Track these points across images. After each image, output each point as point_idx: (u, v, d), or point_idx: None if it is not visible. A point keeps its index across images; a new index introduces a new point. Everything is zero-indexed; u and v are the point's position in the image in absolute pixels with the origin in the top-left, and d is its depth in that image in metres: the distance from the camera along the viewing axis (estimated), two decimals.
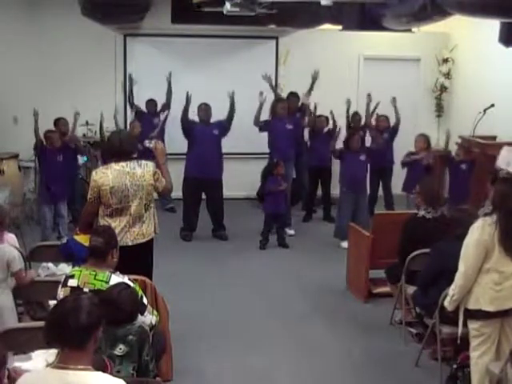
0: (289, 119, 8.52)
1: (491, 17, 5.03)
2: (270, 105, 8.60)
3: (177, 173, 8.13)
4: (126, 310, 3.61)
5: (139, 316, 3.88)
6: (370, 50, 10.20)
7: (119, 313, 3.53)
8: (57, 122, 7.94)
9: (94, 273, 3.94)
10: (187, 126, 8.03)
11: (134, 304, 3.71)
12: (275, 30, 9.53)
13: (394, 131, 8.79)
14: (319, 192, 9.30)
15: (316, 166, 9.05)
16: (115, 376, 2.72)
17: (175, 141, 8.89)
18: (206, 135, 8.02)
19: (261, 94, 8.35)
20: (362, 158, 7.95)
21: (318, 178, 9.19)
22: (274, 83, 8.89)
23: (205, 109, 8.05)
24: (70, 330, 2.53)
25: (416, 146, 7.88)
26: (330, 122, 8.95)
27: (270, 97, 8.66)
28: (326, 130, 9.07)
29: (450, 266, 4.28)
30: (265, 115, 8.57)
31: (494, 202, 4.16)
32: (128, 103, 9.22)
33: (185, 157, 8.28)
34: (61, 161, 7.47)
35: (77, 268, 4.07)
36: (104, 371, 2.72)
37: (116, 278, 3.92)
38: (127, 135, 5.33)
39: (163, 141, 8.99)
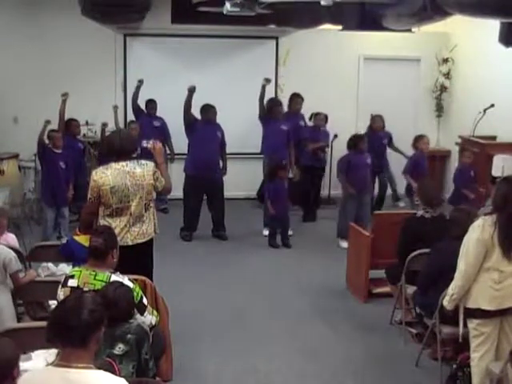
0: (284, 120, 8.56)
1: (491, 17, 5.03)
2: (266, 104, 8.60)
3: (177, 172, 8.18)
4: (123, 309, 3.61)
5: (139, 316, 3.89)
6: (370, 50, 10.20)
7: (115, 311, 3.53)
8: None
9: (93, 273, 3.94)
10: (190, 120, 7.96)
11: (130, 302, 3.71)
12: (275, 29, 9.53)
13: (390, 140, 8.99)
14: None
15: (310, 165, 9.06)
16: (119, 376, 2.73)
17: (176, 140, 8.92)
18: (208, 134, 7.99)
19: (267, 80, 8.44)
20: (369, 160, 7.90)
21: (310, 177, 9.19)
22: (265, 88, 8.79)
23: (213, 111, 8.00)
24: (72, 328, 2.54)
25: (419, 148, 7.92)
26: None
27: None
28: (323, 128, 9.13)
29: (449, 266, 4.28)
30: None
31: (495, 203, 4.14)
32: (132, 102, 9.16)
33: (185, 157, 8.28)
34: (63, 166, 7.46)
35: (77, 268, 4.08)
36: (113, 373, 2.72)
37: (116, 278, 3.92)
38: (127, 135, 5.32)
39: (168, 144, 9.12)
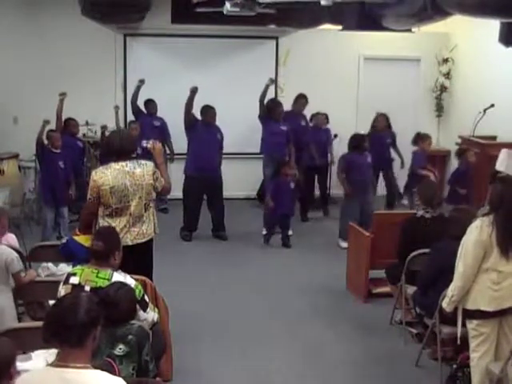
0: (284, 121, 8.57)
1: (491, 17, 5.02)
2: (266, 104, 8.60)
3: (177, 172, 8.18)
4: (124, 309, 3.61)
5: (142, 313, 3.90)
6: (370, 50, 10.20)
7: (117, 312, 3.53)
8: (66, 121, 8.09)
9: (96, 271, 3.95)
10: (191, 121, 7.95)
11: (132, 302, 3.71)
12: (275, 29, 9.52)
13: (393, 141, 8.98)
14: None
15: (313, 165, 9.06)
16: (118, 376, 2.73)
17: (176, 140, 8.92)
18: (209, 135, 7.98)
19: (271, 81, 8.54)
20: (369, 159, 7.83)
21: (314, 177, 9.22)
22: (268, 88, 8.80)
23: (213, 112, 7.99)
24: (68, 327, 2.54)
25: (420, 145, 7.95)
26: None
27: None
28: (324, 127, 9.15)
29: (449, 266, 4.28)
30: None
31: (491, 203, 4.15)
32: (131, 103, 9.15)
33: (185, 157, 8.27)
34: (62, 166, 7.47)
35: (79, 267, 4.08)
36: (112, 373, 2.72)
37: (118, 276, 3.93)
38: (127, 135, 5.32)
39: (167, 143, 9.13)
